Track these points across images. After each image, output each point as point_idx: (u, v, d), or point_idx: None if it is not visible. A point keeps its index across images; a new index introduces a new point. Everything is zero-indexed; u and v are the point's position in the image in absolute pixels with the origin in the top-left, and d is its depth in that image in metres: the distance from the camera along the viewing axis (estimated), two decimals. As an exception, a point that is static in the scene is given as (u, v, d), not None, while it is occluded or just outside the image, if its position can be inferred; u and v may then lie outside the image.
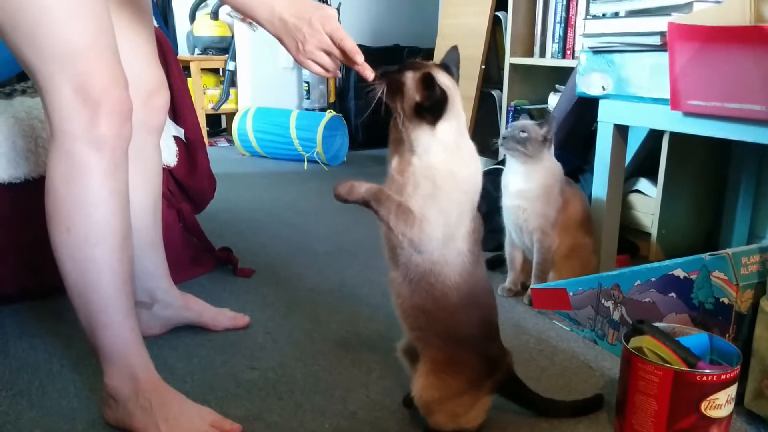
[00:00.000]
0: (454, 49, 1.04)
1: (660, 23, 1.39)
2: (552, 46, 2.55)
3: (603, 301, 1.38)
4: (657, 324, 1.09)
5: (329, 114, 3.37)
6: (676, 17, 1.36)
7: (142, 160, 1.25)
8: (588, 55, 1.60)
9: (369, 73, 1.00)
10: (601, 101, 1.62)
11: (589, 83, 1.62)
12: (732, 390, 0.96)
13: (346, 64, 1.03)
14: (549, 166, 1.58)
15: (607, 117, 1.61)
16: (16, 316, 1.49)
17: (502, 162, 1.96)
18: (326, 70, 1.03)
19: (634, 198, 2.05)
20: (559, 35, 2.51)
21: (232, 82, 4.01)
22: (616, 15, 1.62)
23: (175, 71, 1.73)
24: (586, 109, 1.87)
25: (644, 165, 2.04)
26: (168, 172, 1.70)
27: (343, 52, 1.01)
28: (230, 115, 4.06)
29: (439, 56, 3.03)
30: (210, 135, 4.15)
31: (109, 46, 0.96)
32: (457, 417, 1.01)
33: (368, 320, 1.51)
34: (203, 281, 1.74)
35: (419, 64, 0.98)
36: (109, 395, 1.05)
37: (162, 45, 1.56)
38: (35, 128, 1.50)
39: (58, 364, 1.28)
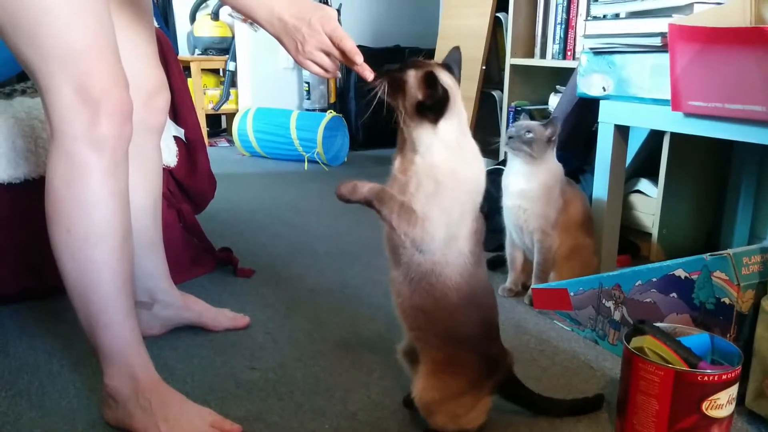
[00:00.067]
0: (456, 50, 1.04)
1: (661, 24, 1.39)
2: (552, 47, 2.56)
3: (604, 301, 1.38)
4: (658, 324, 1.09)
5: (330, 114, 3.37)
6: (677, 18, 1.36)
7: (143, 160, 1.25)
8: (589, 56, 1.60)
9: (368, 74, 1.00)
10: (601, 102, 1.62)
11: (589, 84, 1.62)
12: (733, 390, 0.96)
13: (346, 65, 1.03)
14: (551, 166, 1.58)
15: (607, 118, 1.61)
16: (16, 317, 1.49)
17: (503, 162, 1.96)
18: (326, 70, 1.03)
19: (634, 198, 2.05)
20: (560, 36, 2.51)
21: (233, 83, 4.01)
22: (616, 16, 1.62)
23: (175, 71, 1.72)
24: (586, 109, 1.87)
25: (645, 165, 2.04)
26: (168, 172, 1.70)
27: (342, 52, 1.01)
28: (230, 116, 4.07)
29: (439, 57, 3.03)
30: (210, 135, 4.15)
31: (109, 47, 0.96)
32: (457, 418, 1.00)
33: (369, 321, 1.51)
34: (203, 281, 1.74)
35: (421, 63, 0.98)
36: (109, 395, 1.05)
37: (162, 45, 1.56)
38: (35, 128, 1.50)
39: (57, 364, 1.28)
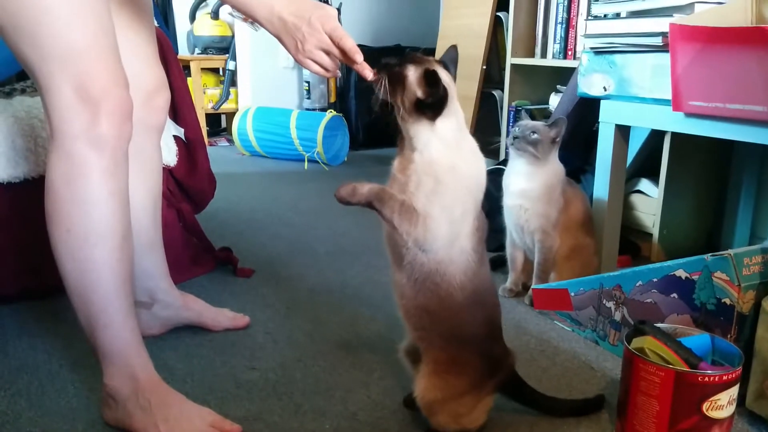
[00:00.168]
0: (454, 48, 1.04)
1: (662, 24, 1.38)
2: (553, 47, 2.55)
3: (604, 301, 1.38)
4: (659, 325, 1.08)
5: (330, 114, 3.37)
6: (678, 18, 1.35)
7: (142, 159, 1.25)
8: (589, 55, 1.60)
9: (368, 73, 1.00)
10: (602, 102, 1.62)
11: (590, 84, 1.62)
12: (734, 391, 0.96)
13: (346, 64, 1.03)
14: (552, 166, 1.58)
15: (608, 117, 1.61)
16: (16, 316, 1.49)
17: (504, 162, 1.96)
18: (326, 69, 1.02)
19: (635, 198, 2.04)
20: (561, 36, 2.51)
21: (233, 82, 4.01)
22: (617, 16, 1.61)
23: (175, 71, 1.72)
24: (587, 109, 1.87)
25: (646, 165, 2.03)
26: (168, 171, 1.70)
27: (342, 51, 1.01)
28: (230, 115, 4.06)
29: (439, 57, 3.03)
30: (210, 135, 4.15)
31: (109, 46, 0.96)
32: (459, 417, 1.00)
33: (369, 321, 1.51)
34: (203, 281, 1.74)
35: (420, 59, 0.98)
36: (108, 395, 1.05)
37: (162, 44, 1.56)
38: (35, 128, 1.49)
39: (57, 363, 1.28)
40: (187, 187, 1.79)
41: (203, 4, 4.11)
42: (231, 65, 3.95)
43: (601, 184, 1.66)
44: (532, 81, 2.71)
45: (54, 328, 1.42)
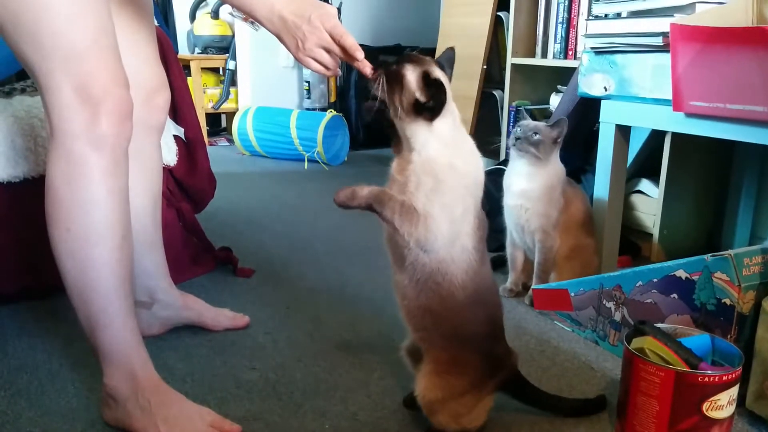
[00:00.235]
0: (451, 50, 1.04)
1: (662, 24, 1.38)
2: (554, 47, 2.55)
3: (604, 301, 1.37)
4: (659, 325, 1.08)
5: (330, 114, 3.37)
6: (679, 18, 1.35)
7: (142, 159, 1.25)
8: (590, 55, 1.60)
9: (369, 70, 1.00)
10: (603, 102, 1.62)
11: (591, 84, 1.61)
12: (733, 391, 0.96)
13: (347, 62, 1.03)
14: (553, 166, 1.58)
15: (609, 117, 1.61)
16: (16, 316, 1.49)
17: (504, 162, 1.96)
18: (326, 68, 1.02)
19: (635, 198, 2.04)
20: (561, 36, 2.51)
21: (233, 82, 4.00)
22: (618, 16, 1.61)
23: (175, 70, 1.72)
24: (588, 109, 1.87)
25: (646, 165, 2.03)
26: (168, 171, 1.70)
27: (343, 49, 1.01)
28: (230, 115, 4.06)
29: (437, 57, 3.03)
30: (210, 134, 4.14)
31: (110, 46, 0.96)
32: (459, 417, 1.00)
33: (369, 320, 1.51)
34: (203, 281, 1.74)
35: (417, 58, 0.98)
36: (108, 395, 1.05)
37: (162, 44, 1.55)
38: (35, 127, 1.49)
39: (57, 363, 1.28)
40: (187, 186, 1.79)
41: (203, 3, 4.11)
42: (231, 65, 3.95)
43: (602, 184, 1.66)
44: (533, 81, 2.71)
45: (54, 328, 1.42)
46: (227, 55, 3.96)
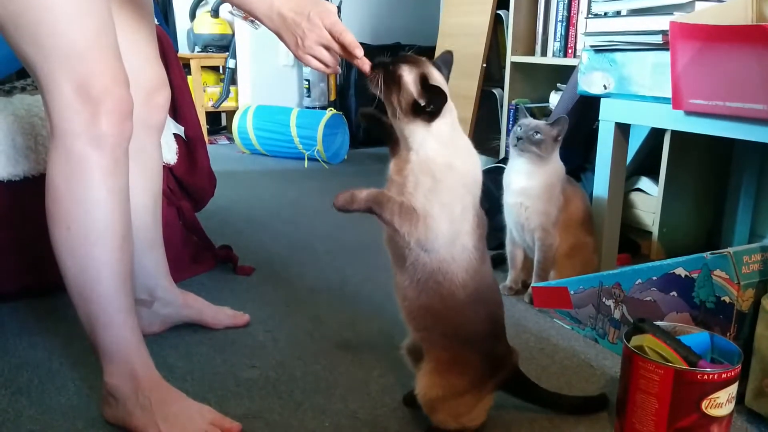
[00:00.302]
0: (449, 53, 1.04)
1: (662, 22, 1.38)
2: (553, 45, 2.55)
3: (604, 299, 1.38)
4: (658, 323, 1.08)
5: (330, 112, 3.37)
6: (678, 16, 1.35)
7: (143, 158, 1.25)
8: (589, 53, 1.60)
9: (368, 68, 1.00)
10: (602, 100, 1.62)
11: (590, 82, 1.61)
12: (733, 389, 0.96)
13: (346, 59, 1.03)
14: (553, 164, 1.58)
15: (608, 115, 1.61)
16: (16, 314, 1.49)
17: (503, 160, 1.96)
18: (326, 65, 1.02)
19: (635, 197, 2.04)
20: (561, 34, 2.51)
21: (233, 80, 4.00)
22: (617, 14, 1.61)
23: (175, 69, 1.72)
24: (587, 107, 1.87)
25: (645, 163, 2.03)
26: (168, 169, 1.70)
27: (342, 46, 1.01)
28: (230, 113, 4.06)
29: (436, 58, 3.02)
30: (210, 133, 4.14)
31: (110, 45, 0.96)
32: (459, 416, 1.01)
33: (369, 319, 1.51)
34: (203, 279, 1.74)
35: (413, 59, 0.98)
36: (108, 393, 1.05)
37: (162, 43, 1.55)
38: (35, 126, 1.49)
39: (57, 362, 1.28)
40: (187, 185, 1.79)
41: (203, 2, 4.11)
42: (231, 63, 3.95)
43: (601, 183, 1.66)
44: (533, 79, 2.71)
45: (54, 327, 1.42)
46: (227, 53, 3.96)
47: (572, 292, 1.45)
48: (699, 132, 1.37)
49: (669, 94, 1.37)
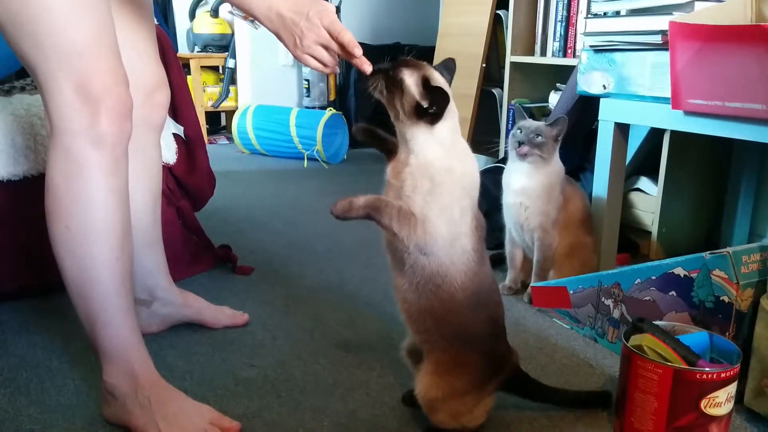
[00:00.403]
0: (452, 60, 1.04)
1: (661, 22, 1.38)
2: (553, 45, 2.55)
3: (603, 299, 1.38)
4: (657, 322, 1.09)
5: (329, 112, 3.37)
6: (678, 16, 1.36)
7: (142, 157, 1.25)
8: (589, 53, 1.60)
9: (367, 67, 1.00)
10: (602, 100, 1.62)
11: (590, 82, 1.62)
12: (732, 388, 0.96)
13: (345, 58, 1.03)
14: (552, 165, 1.58)
15: (608, 115, 1.61)
16: (16, 313, 1.49)
17: (503, 160, 1.96)
18: (324, 65, 1.02)
19: (634, 196, 2.04)
20: (560, 34, 2.51)
21: (232, 80, 4.00)
22: (617, 13, 1.61)
23: (174, 69, 1.72)
24: (587, 107, 1.87)
25: (645, 163, 2.04)
26: (167, 169, 1.70)
27: (341, 46, 1.01)
28: (230, 113, 4.06)
29: (439, 55, 3.03)
30: (210, 133, 4.15)
31: (110, 44, 0.96)
32: (459, 416, 1.01)
33: (368, 319, 1.51)
34: (203, 279, 1.74)
35: (414, 63, 0.98)
36: (108, 392, 1.05)
37: (162, 42, 1.55)
38: (34, 125, 1.49)
39: (57, 361, 1.28)
40: (186, 185, 1.79)
41: (203, 2, 4.11)
42: (231, 63, 3.95)
43: (601, 182, 1.66)
44: (532, 79, 2.71)
45: (54, 326, 1.42)
46: (227, 53, 3.96)
47: (571, 292, 1.45)
48: (698, 132, 1.37)
49: (668, 94, 1.37)
